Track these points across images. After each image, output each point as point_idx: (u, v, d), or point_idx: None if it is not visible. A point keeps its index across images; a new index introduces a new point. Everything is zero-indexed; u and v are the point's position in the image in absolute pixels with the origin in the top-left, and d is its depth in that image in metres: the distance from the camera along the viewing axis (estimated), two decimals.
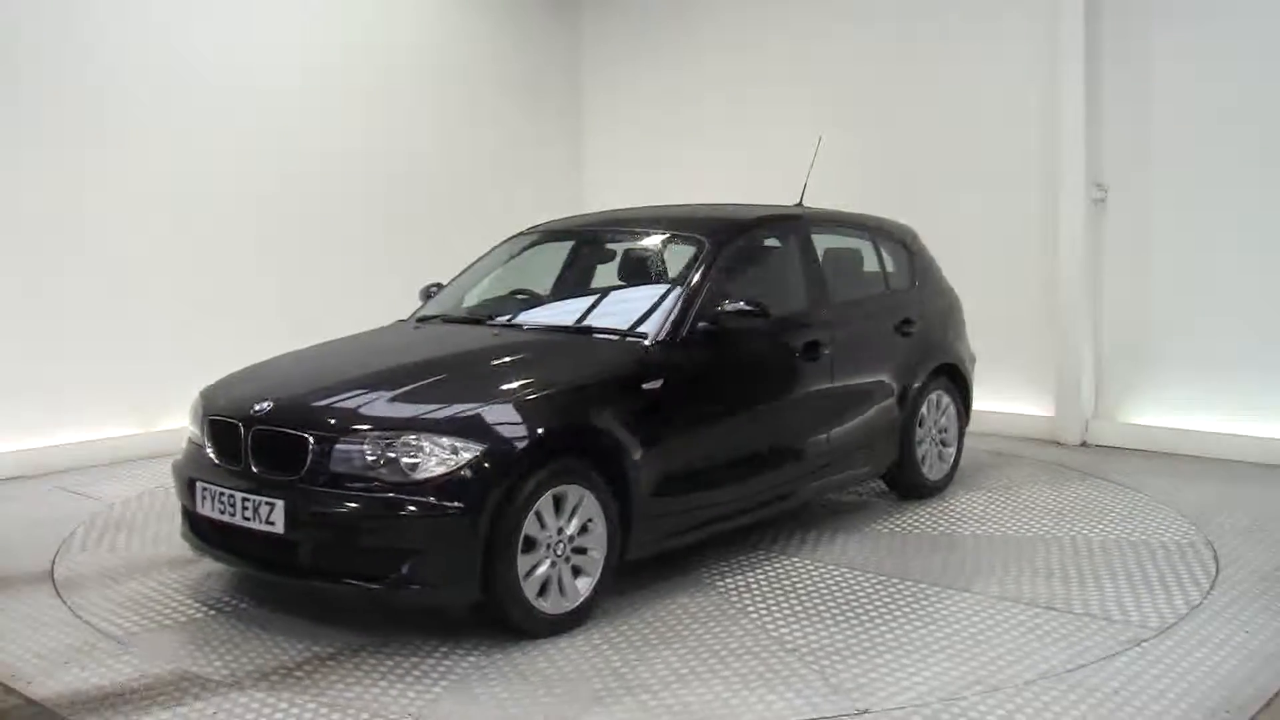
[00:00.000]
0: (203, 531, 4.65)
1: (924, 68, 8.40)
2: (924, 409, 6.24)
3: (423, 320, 5.75)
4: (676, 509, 4.81)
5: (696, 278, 5.17)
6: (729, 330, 5.08)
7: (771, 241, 5.93)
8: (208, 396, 4.89)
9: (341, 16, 8.78)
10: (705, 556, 5.23)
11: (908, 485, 6.27)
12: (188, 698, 3.76)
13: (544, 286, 5.93)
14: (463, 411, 4.24)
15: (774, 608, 4.61)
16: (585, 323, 5.25)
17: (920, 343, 6.27)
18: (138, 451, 7.30)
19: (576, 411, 4.47)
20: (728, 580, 4.96)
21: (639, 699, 3.76)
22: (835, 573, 5.06)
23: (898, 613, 4.55)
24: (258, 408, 4.48)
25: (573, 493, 4.33)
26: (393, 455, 4.11)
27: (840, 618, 4.50)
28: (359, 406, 4.36)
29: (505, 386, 4.50)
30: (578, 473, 4.36)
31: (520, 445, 4.19)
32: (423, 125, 9.31)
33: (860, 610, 4.58)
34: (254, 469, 4.39)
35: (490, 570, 4.08)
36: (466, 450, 4.10)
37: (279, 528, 4.20)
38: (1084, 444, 7.72)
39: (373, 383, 4.57)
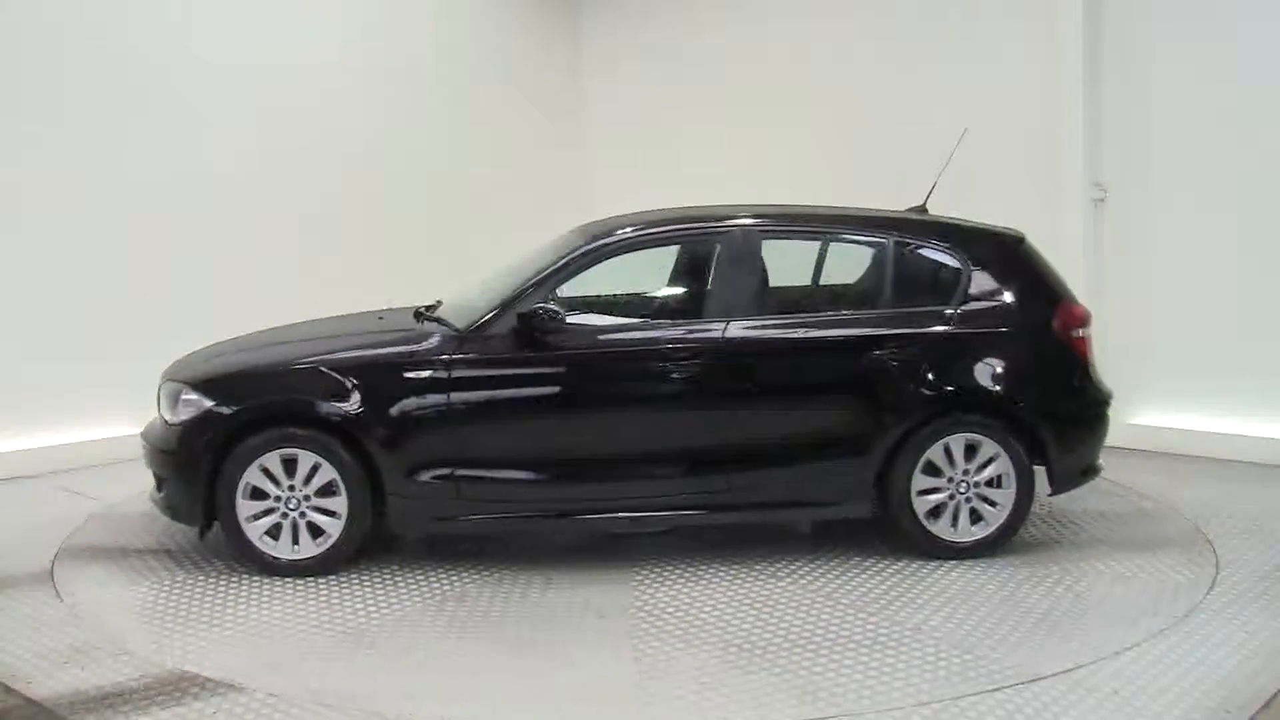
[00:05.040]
0: None
1: (924, 67, 8.39)
2: (931, 454, 5.13)
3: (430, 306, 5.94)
4: (445, 494, 4.97)
5: (532, 277, 5.16)
6: (542, 331, 4.99)
7: (682, 246, 5.72)
8: None
9: (342, 15, 8.78)
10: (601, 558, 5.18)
11: (918, 545, 5.20)
12: (187, 698, 3.76)
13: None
14: (213, 375, 5.13)
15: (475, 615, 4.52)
16: (441, 314, 5.42)
17: (938, 376, 5.17)
18: (137, 451, 7.23)
19: (305, 387, 4.98)
20: (485, 588, 4.82)
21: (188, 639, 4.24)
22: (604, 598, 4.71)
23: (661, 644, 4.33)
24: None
25: (304, 457, 4.90)
26: (165, 402, 5.18)
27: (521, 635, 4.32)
28: (191, 364, 5.38)
29: (260, 359, 5.23)
30: (308, 440, 4.90)
31: (234, 408, 4.95)
32: (423, 124, 9.30)
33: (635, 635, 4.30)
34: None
35: (213, 508, 4.95)
36: (203, 403, 5.00)
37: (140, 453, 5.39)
38: None
39: (239, 348, 5.45)
